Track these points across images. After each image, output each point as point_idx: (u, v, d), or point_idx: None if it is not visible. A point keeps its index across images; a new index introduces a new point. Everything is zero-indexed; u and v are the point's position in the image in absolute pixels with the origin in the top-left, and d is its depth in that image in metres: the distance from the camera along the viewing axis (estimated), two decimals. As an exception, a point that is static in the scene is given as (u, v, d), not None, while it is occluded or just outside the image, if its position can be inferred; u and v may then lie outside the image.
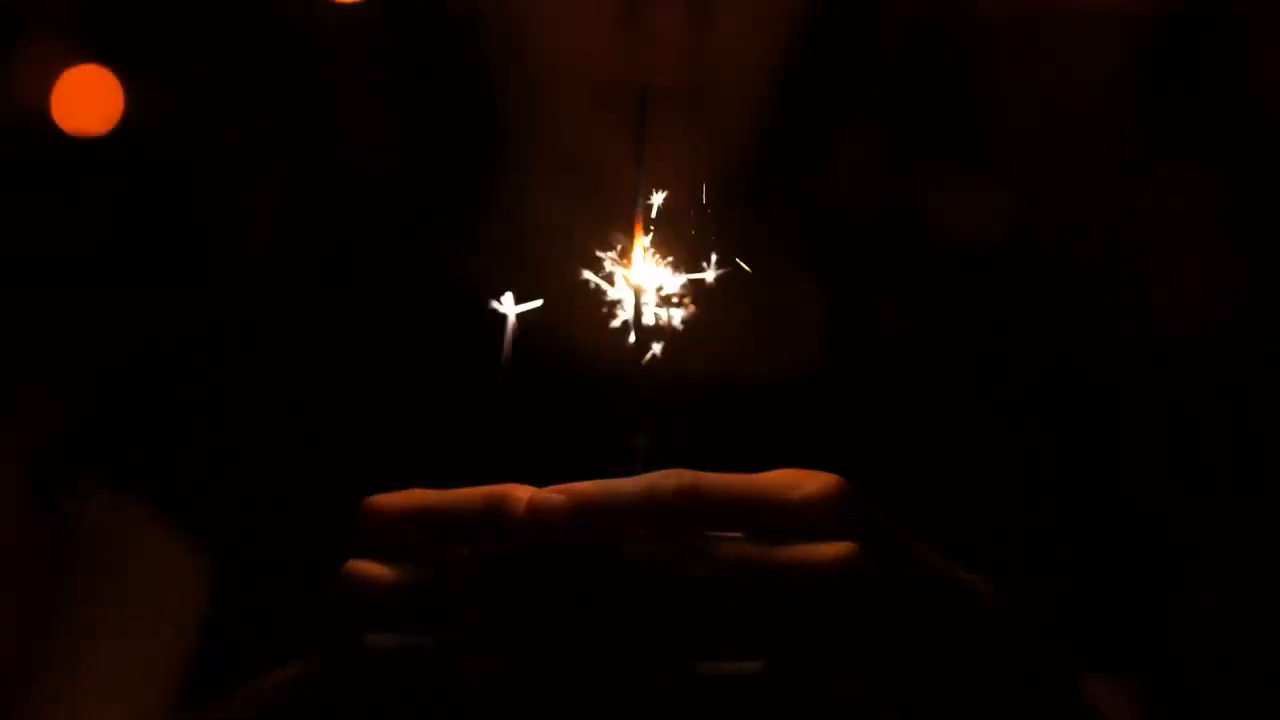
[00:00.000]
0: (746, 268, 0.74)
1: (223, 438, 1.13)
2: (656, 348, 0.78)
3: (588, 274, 0.77)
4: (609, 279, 0.79)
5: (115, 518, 1.12)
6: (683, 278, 0.79)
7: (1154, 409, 1.57)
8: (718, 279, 0.80)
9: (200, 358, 1.18)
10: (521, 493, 0.70)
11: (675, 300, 0.78)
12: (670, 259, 0.79)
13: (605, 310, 0.78)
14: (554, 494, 0.70)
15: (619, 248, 0.79)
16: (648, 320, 0.78)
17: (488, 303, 1.18)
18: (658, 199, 0.80)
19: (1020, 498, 1.18)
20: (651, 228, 0.79)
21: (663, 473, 0.71)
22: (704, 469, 0.72)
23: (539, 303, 0.79)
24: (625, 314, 0.78)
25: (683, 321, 0.78)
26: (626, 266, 0.78)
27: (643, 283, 0.78)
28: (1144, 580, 1.22)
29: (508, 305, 0.80)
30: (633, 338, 0.78)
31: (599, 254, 0.79)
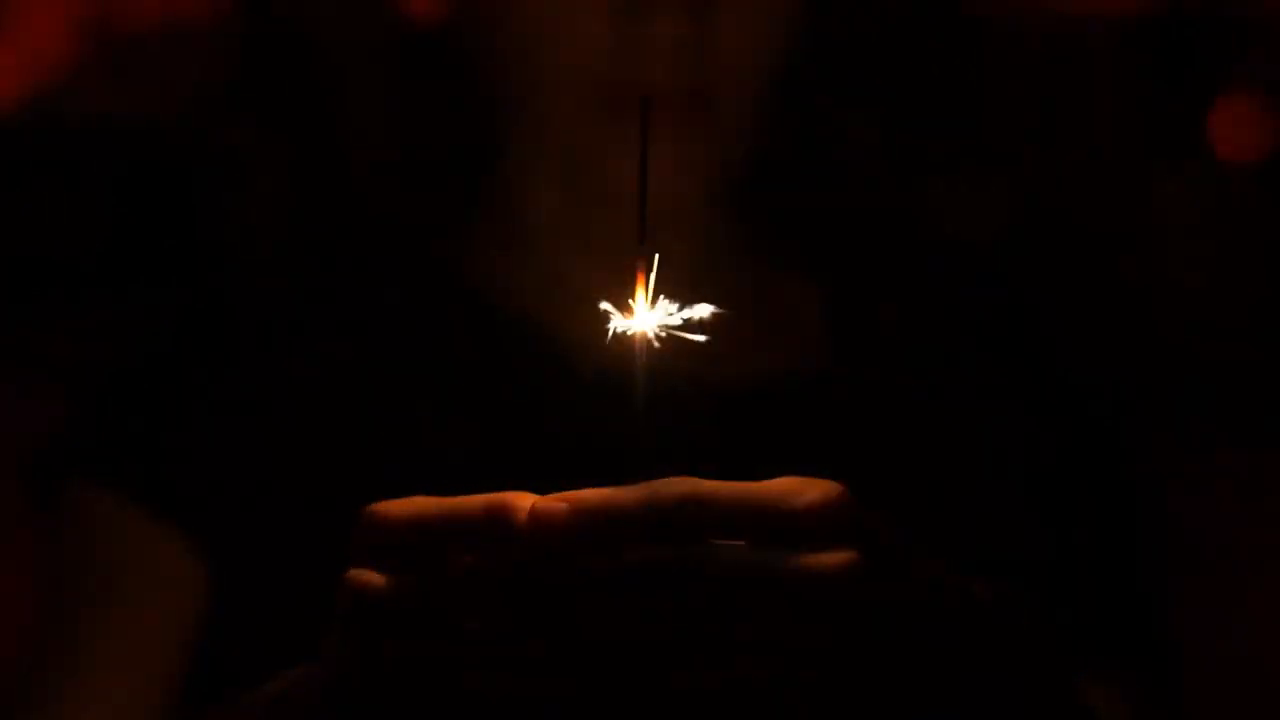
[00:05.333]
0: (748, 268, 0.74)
1: (222, 441, 1.13)
2: (657, 350, 0.78)
3: (593, 281, 0.77)
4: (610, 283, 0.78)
5: (113, 521, 1.12)
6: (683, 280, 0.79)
7: (1153, 408, 1.57)
8: (718, 281, 0.80)
9: (199, 360, 1.18)
10: (523, 501, 0.70)
11: (677, 304, 0.78)
12: (672, 262, 0.79)
13: (605, 312, 0.78)
14: (555, 502, 0.70)
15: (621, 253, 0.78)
16: (647, 324, 0.77)
17: (489, 303, 1.19)
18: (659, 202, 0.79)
19: (1019, 499, 1.18)
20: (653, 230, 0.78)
21: (664, 481, 0.70)
22: (704, 473, 0.71)
23: None
24: (626, 317, 0.78)
25: (683, 324, 0.78)
26: (629, 272, 0.78)
27: (644, 286, 0.78)
28: (1142, 580, 1.22)
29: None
30: (635, 341, 0.78)
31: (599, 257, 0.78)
